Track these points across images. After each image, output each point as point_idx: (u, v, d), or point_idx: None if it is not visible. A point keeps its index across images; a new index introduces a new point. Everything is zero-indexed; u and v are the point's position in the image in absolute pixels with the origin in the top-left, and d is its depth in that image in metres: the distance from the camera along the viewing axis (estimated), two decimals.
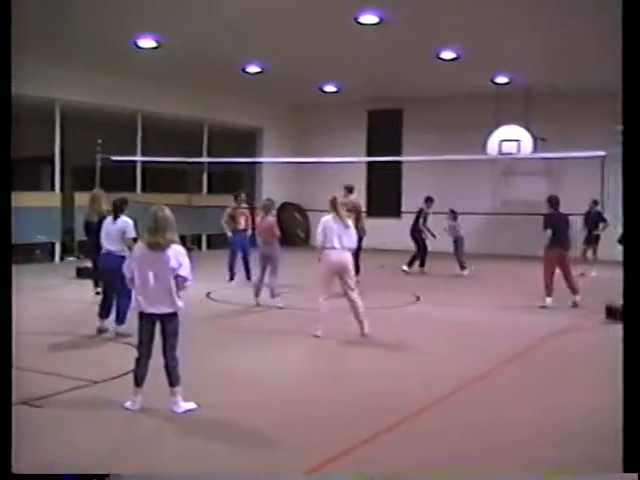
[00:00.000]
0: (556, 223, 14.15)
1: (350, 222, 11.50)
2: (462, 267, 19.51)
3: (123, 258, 9.52)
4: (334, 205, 11.40)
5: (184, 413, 7.11)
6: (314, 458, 5.99)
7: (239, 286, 16.37)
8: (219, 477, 5.69)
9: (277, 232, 14.04)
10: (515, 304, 14.47)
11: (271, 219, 14.22)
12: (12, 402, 4.36)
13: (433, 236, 19.78)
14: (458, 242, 19.72)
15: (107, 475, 5.00)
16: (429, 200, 20.21)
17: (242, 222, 17.45)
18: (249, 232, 17.52)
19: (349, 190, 17.73)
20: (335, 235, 11.17)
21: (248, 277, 16.87)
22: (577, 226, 19.86)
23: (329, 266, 11.24)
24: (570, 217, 15.04)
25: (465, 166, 24.17)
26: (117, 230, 11.01)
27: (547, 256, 14.23)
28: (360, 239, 15.55)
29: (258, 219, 14.60)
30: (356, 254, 15.82)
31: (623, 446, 4.24)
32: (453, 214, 19.81)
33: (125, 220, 11.02)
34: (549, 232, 14.00)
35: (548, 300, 14.05)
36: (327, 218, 11.39)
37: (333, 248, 11.16)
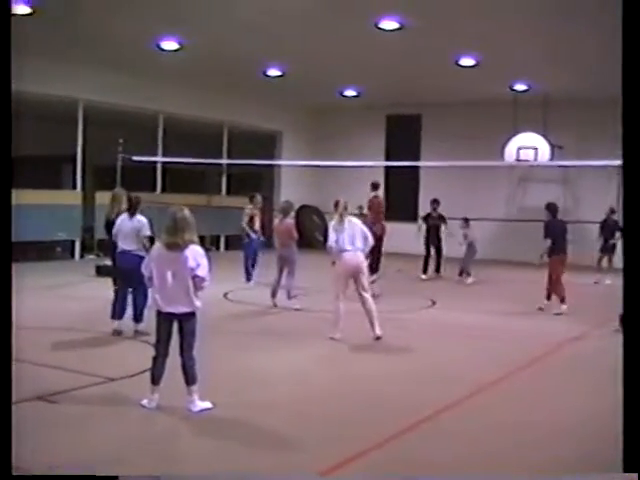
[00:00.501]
0: (555, 231, 14.37)
1: (358, 222, 11.62)
2: (467, 274, 19.51)
3: (139, 257, 9.66)
4: (337, 208, 11.54)
5: (200, 412, 7.20)
6: (330, 458, 6.09)
7: (256, 287, 16.50)
8: (228, 477, 5.78)
9: (295, 235, 14.19)
10: (529, 310, 14.51)
11: (289, 221, 14.34)
12: (12, 402, 4.44)
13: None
14: (469, 249, 19.77)
15: (116, 477, 5.06)
16: (435, 202, 20.26)
17: (257, 224, 17.62)
18: (260, 234, 17.75)
19: (375, 187, 17.99)
20: (347, 237, 11.27)
21: (249, 278, 17.12)
22: (593, 235, 19.93)
23: (344, 269, 11.32)
24: (586, 225, 15.11)
25: (482, 172, 24.21)
26: (132, 228, 11.07)
27: (551, 262, 14.40)
28: (380, 238, 15.75)
29: (276, 221, 14.70)
30: (375, 253, 16.18)
31: (623, 446, 4.31)
32: (466, 222, 19.88)
33: (140, 219, 11.12)
34: (549, 241, 14.22)
35: (564, 307, 14.16)
36: (334, 222, 11.53)
37: (347, 250, 11.25)
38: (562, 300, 14.26)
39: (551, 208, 14.69)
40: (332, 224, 11.56)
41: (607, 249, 19.56)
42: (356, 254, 11.28)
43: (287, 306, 13.95)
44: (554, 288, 14.40)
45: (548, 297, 14.55)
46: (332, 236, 11.41)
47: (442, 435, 6.97)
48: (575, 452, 6.51)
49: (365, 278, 11.41)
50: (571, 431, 7.14)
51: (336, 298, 11.30)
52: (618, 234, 18.96)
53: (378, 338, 11.12)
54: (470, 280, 19.26)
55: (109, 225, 14.48)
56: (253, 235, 17.47)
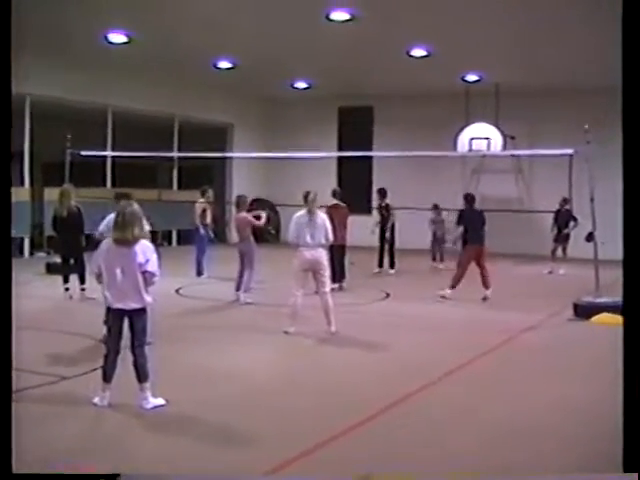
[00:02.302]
0: (471, 220, 14.68)
1: (324, 216, 11.47)
2: (441, 260, 20.44)
3: None
4: (306, 200, 11.36)
5: (153, 409, 7.10)
6: (286, 453, 6.01)
7: (208, 282, 16.37)
8: (230, 479, 5.70)
9: (254, 223, 14.16)
10: (479, 299, 14.55)
11: (244, 214, 14.26)
12: (12, 401, 4.33)
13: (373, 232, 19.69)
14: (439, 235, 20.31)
15: (118, 475, 4.98)
16: (380, 192, 20.11)
17: (208, 218, 17.54)
18: (211, 228, 17.69)
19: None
20: (307, 231, 11.14)
21: (200, 272, 17.10)
22: (546, 224, 20.05)
23: (303, 262, 11.20)
24: (539, 215, 15.18)
25: (435, 163, 24.25)
26: None
27: (466, 251, 14.76)
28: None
29: (234, 214, 14.59)
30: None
31: (623, 446, 4.31)
32: (436, 208, 20.16)
33: None
34: (461, 228, 14.64)
35: (449, 292, 14.62)
36: (299, 214, 11.33)
37: (306, 245, 11.13)
38: (487, 286, 14.68)
39: (468, 198, 15.20)
40: (297, 216, 11.33)
41: (561, 239, 19.69)
42: (316, 249, 11.15)
43: (241, 300, 13.85)
44: (483, 276, 14.73)
45: (453, 287, 14.74)
46: (293, 229, 11.27)
47: (400, 427, 6.90)
48: (538, 444, 6.49)
49: (325, 270, 11.28)
50: (536, 422, 7.11)
51: (294, 292, 11.18)
52: (572, 224, 19.06)
53: (333, 333, 11.05)
54: (442, 266, 19.85)
55: (56, 222, 14.27)
56: (202, 230, 17.35)
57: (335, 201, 16.29)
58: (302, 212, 11.31)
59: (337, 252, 15.08)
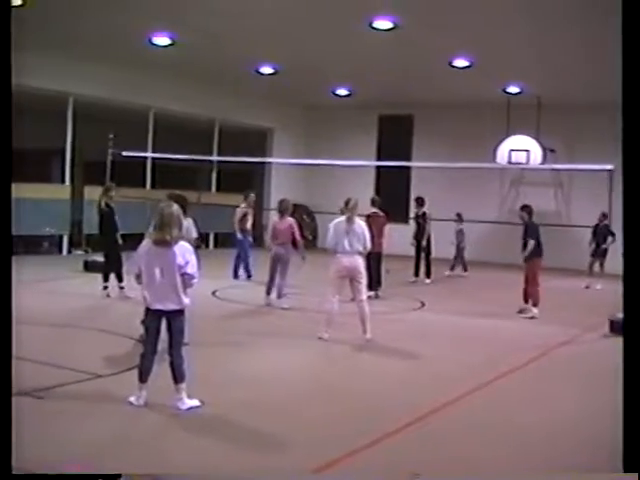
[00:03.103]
0: (535, 232, 14.27)
1: (363, 224, 11.45)
2: (465, 269, 20.73)
3: None
4: (347, 207, 11.36)
5: (188, 410, 7.14)
6: (320, 457, 6.03)
7: (244, 285, 16.45)
8: (239, 478, 5.71)
9: (297, 233, 14.19)
10: (516, 313, 14.44)
11: (290, 220, 14.27)
12: (12, 403, 4.35)
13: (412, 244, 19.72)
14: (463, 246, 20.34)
15: (119, 475, 4.99)
16: (418, 201, 19.98)
17: (249, 223, 17.61)
18: (250, 233, 17.78)
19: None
20: (346, 238, 11.14)
21: (249, 275, 17.27)
22: (585, 239, 19.89)
23: (339, 270, 11.20)
24: (577, 229, 15.04)
25: (474, 174, 24.17)
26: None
27: (538, 265, 14.36)
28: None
29: (275, 219, 14.55)
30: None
31: (623, 446, 4.28)
32: (460, 218, 20.10)
33: (186, 220, 10.50)
34: (532, 242, 14.08)
35: (535, 310, 14.14)
36: (338, 220, 11.34)
37: (344, 252, 11.13)
38: (535, 304, 14.21)
39: (531, 210, 14.56)
40: (336, 222, 11.34)
41: (598, 254, 19.51)
42: (353, 256, 11.15)
43: (276, 305, 13.90)
44: (530, 290, 14.31)
45: (526, 300, 14.38)
46: (331, 236, 11.30)
47: (432, 436, 6.90)
48: (574, 452, 6.47)
49: (362, 277, 11.27)
50: (568, 432, 7.08)
51: (330, 298, 11.19)
52: (610, 239, 18.89)
53: (368, 341, 11.04)
54: (466, 274, 20.10)
55: (103, 217, 14.34)
56: (239, 235, 17.44)
57: (374, 209, 16.27)
58: (341, 219, 11.32)
59: (373, 260, 15.04)
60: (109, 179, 18.37)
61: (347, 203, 11.39)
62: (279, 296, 13.99)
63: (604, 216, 18.87)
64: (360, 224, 11.35)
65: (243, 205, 17.80)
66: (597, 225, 19.46)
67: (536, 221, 14.48)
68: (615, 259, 16.04)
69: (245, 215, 17.62)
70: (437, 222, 19.68)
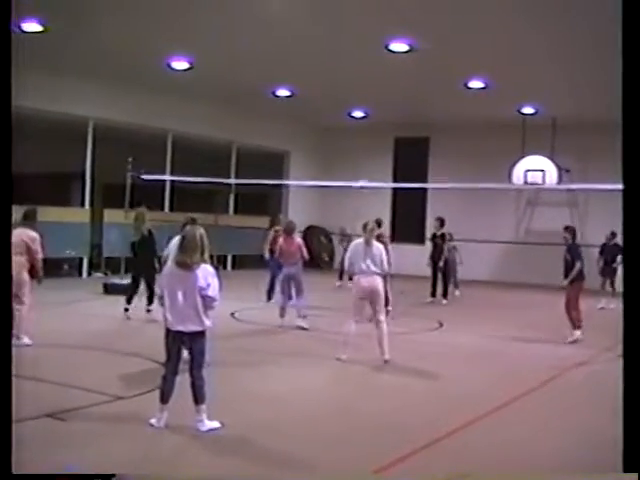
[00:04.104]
0: (578, 253, 13.88)
1: (381, 246, 11.53)
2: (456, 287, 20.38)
3: None
4: (365, 229, 11.49)
5: (208, 432, 7.18)
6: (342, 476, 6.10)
7: (262, 307, 16.52)
8: None
9: (305, 253, 14.31)
10: (534, 334, 14.44)
11: (298, 240, 14.42)
12: (12, 403, 4.42)
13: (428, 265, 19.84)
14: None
15: (113, 475, 5.03)
16: (438, 221, 20.18)
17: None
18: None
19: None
20: (363, 259, 11.24)
21: (269, 297, 17.21)
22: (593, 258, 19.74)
23: (358, 290, 11.32)
24: (592, 249, 14.92)
25: (490, 195, 24.23)
26: None
27: (581, 287, 13.92)
28: None
29: (281, 240, 14.69)
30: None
31: (623, 446, 4.30)
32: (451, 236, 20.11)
33: None
34: (579, 264, 13.67)
35: (578, 333, 13.78)
36: (357, 242, 11.54)
37: (362, 272, 11.24)
38: (578, 327, 13.85)
39: (575, 231, 14.19)
40: (354, 244, 11.55)
41: (608, 273, 19.28)
42: (372, 277, 11.24)
43: (296, 325, 13.99)
44: (573, 313, 13.86)
45: (575, 326, 13.84)
46: (348, 257, 11.49)
47: (450, 455, 6.96)
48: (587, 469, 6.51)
49: (381, 299, 11.35)
50: (581, 450, 7.11)
51: (350, 319, 11.30)
52: (620, 257, 18.77)
53: (386, 362, 11.10)
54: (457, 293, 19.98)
55: (133, 244, 14.41)
56: (268, 257, 17.52)
57: (379, 230, 16.48)
58: (360, 240, 11.48)
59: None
60: (128, 202, 18.55)
61: (365, 226, 11.53)
62: (300, 315, 14.09)
63: (613, 235, 18.83)
64: (378, 246, 11.44)
65: (277, 228, 17.88)
66: (605, 244, 19.35)
67: (578, 242, 14.25)
68: None
69: (276, 238, 17.69)
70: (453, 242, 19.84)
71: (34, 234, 11.08)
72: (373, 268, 11.23)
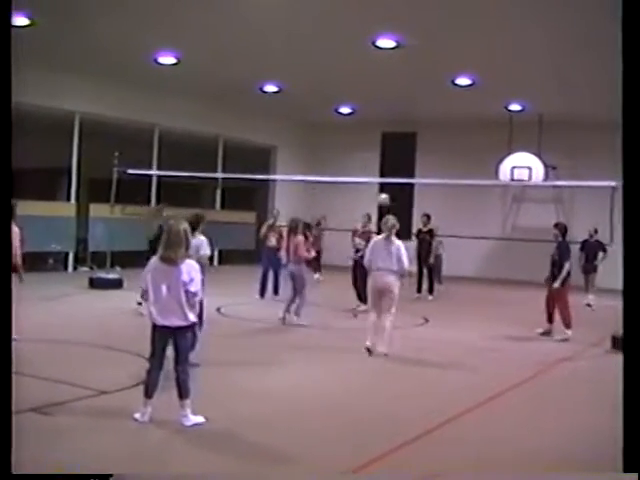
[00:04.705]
0: (567, 252, 13.88)
1: (399, 244, 11.62)
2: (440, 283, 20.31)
3: None
4: (385, 226, 11.70)
5: (193, 426, 7.19)
6: (327, 473, 6.11)
7: (252, 302, 16.52)
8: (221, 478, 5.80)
9: (302, 252, 14.29)
10: (521, 330, 14.45)
11: (299, 238, 14.42)
12: (12, 403, 4.42)
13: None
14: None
15: (110, 475, 5.04)
16: (424, 217, 20.30)
17: (273, 240, 17.62)
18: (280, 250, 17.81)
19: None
20: (380, 256, 11.45)
21: (276, 292, 17.34)
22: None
23: (373, 285, 11.62)
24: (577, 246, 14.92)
25: (476, 191, 24.35)
26: (192, 246, 10.49)
27: (570, 287, 13.98)
28: None
29: (284, 238, 14.83)
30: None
31: (623, 446, 4.33)
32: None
33: (200, 237, 10.11)
34: (568, 264, 13.68)
35: (569, 332, 13.68)
36: (377, 239, 11.82)
37: (378, 269, 11.48)
38: (569, 326, 13.78)
39: (564, 228, 14.13)
40: (375, 241, 11.83)
41: (588, 270, 19.26)
42: (386, 274, 11.43)
43: (294, 322, 14.02)
44: (564, 313, 13.82)
45: (566, 325, 13.77)
46: (367, 253, 11.76)
47: (438, 447, 7.02)
48: (573, 463, 6.55)
49: (393, 296, 11.52)
50: (567, 444, 7.14)
51: (370, 313, 11.68)
52: (601, 254, 18.81)
53: (385, 355, 11.25)
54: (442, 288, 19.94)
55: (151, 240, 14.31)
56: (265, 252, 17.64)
57: (369, 226, 16.73)
58: (380, 237, 11.73)
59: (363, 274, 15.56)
60: (114, 197, 18.54)
61: (386, 223, 11.73)
62: (297, 313, 14.12)
63: (595, 231, 18.85)
64: (397, 244, 11.58)
65: (270, 223, 17.98)
66: (586, 240, 19.32)
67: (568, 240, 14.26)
68: (612, 274, 16.02)
69: (270, 233, 17.74)
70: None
71: (14, 228, 11.01)
72: (389, 265, 11.40)
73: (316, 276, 21.25)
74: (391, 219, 11.74)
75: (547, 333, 13.95)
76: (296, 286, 14.17)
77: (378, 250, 11.53)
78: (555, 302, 13.88)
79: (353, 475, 6.07)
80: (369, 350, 11.30)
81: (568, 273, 13.69)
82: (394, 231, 11.67)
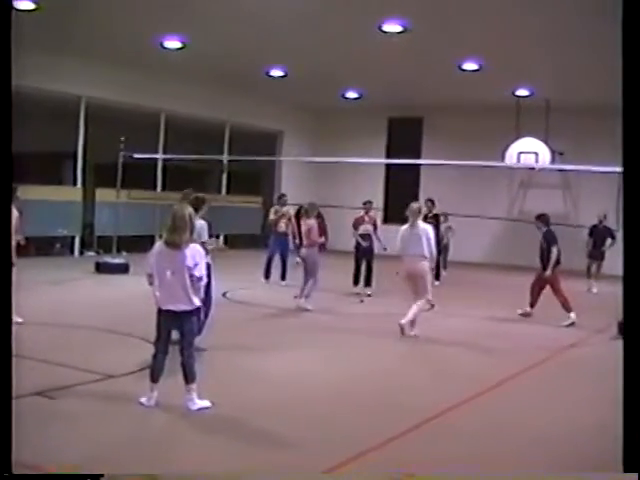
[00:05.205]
0: (557, 240, 14.05)
1: (425, 228, 11.78)
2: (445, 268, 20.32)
3: None
4: (410, 211, 11.83)
5: (199, 410, 7.20)
6: (330, 459, 6.07)
7: (255, 287, 16.53)
8: (220, 477, 5.74)
9: (314, 236, 14.27)
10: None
11: (310, 222, 14.42)
12: (12, 402, 4.41)
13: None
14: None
15: (101, 475, 4.97)
16: (429, 202, 20.12)
17: (283, 225, 17.69)
18: (289, 235, 17.86)
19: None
20: (408, 242, 11.59)
21: (283, 277, 17.40)
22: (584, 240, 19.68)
23: (403, 271, 11.80)
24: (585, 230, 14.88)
25: (483, 175, 24.23)
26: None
27: (559, 274, 14.10)
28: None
29: (302, 221, 14.90)
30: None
31: (623, 446, 4.31)
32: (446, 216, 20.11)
33: (200, 222, 9.76)
34: (556, 250, 13.80)
35: (573, 315, 13.74)
36: (404, 227, 11.83)
37: (406, 255, 11.64)
38: (570, 309, 13.82)
39: (547, 219, 14.30)
40: (402, 228, 11.85)
41: (596, 256, 19.15)
42: (414, 259, 11.58)
43: (301, 306, 14.04)
44: (560, 299, 13.89)
45: (567, 310, 13.82)
46: (398, 241, 11.79)
47: (444, 434, 7.03)
48: (575, 452, 6.56)
49: (424, 282, 11.73)
50: (570, 432, 7.14)
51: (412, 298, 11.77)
52: (609, 241, 18.71)
53: (416, 336, 11.57)
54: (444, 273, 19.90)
55: None
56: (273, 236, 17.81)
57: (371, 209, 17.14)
58: (407, 225, 11.82)
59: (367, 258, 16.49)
60: (120, 181, 18.55)
61: (411, 208, 11.91)
62: (305, 296, 14.13)
63: (604, 217, 18.77)
64: (424, 228, 11.74)
65: (277, 207, 18.03)
66: (595, 226, 19.24)
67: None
68: (618, 261, 15.96)
69: (278, 217, 17.80)
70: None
71: (14, 211, 10.98)
72: (420, 251, 11.56)
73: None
74: (415, 204, 12.05)
75: (527, 315, 14.24)
76: (309, 270, 14.16)
77: (407, 237, 11.66)
78: (551, 289, 13.99)
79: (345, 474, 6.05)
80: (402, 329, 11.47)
81: (558, 259, 13.81)
82: (420, 216, 11.88)
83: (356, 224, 16.67)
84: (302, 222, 14.56)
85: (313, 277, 14.14)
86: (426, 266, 11.67)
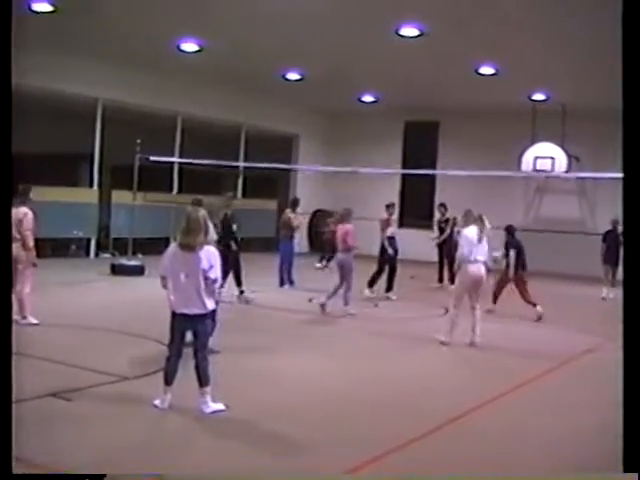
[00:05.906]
0: (520, 247, 15.17)
1: (490, 235, 11.86)
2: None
3: None
4: (477, 220, 11.89)
5: (212, 413, 7.21)
6: (346, 462, 6.08)
7: (265, 290, 16.50)
8: (224, 478, 5.76)
9: (349, 241, 14.21)
10: (540, 321, 14.43)
11: (345, 227, 14.41)
12: (12, 402, 4.42)
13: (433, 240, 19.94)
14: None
15: (103, 475, 4.96)
16: (442, 207, 20.35)
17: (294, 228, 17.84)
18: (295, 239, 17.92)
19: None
20: (473, 248, 11.58)
21: (291, 282, 17.43)
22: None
23: (469, 279, 11.67)
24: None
25: (499, 181, 24.15)
26: None
27: (525, 274, 15.17)
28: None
29: (334, 227, 15.12)
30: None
31: (623, 446, 4.30)
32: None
33: None
34: (513, 252, 15.01)
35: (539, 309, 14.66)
36: (468, 231, 11.82)
37: (471, 261, 11.58)
38: (535, 305, 14.70)
39: (513, 230, 15.55)
40: (467, 233, 11.80)
41: (608, 259, 18.91)
42: (482, 265, 11.65)
43: (343, 312, 14.01)
44: (523, 295, 14.97)
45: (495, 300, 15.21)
46: (466, 247, 11.66)
47: (460, 437, 7.05)
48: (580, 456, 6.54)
49: (480, 291, 11.87)
50: (582, 436, 7.12)
51: (455, 306, 11.74)
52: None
53: (476, 344, 11.60)
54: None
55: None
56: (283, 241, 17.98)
57: (386, 214, 17.10)
58: (472, 229, 11.80)
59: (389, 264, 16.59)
60: (136, 184, 18.59)
61: (471, 215, 12.17)
62: (345, 303, 14.12)
63: (618, 222, 18.67)
64: (488, 235, 11.82)
65: (297, 212, 18.09)
66: (608, 232, 19.12)
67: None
68: None
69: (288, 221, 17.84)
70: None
71: (26, 209, 11.04)
72: (477, 257, 11.59)
73: (318, 265, 21.21)
74: (472, 212, 12.24)
75: (490, 311, 14.55)
76: (344, 274, 14.14)
77: (472, 242, 11.60)
78: (516, 287, 15.00)
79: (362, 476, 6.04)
80: (443, 344, 11.48)
81: (518, 261, 14.91)
82: (483, 224, 11.80)
83: (384, 227, 16.66)
84: (338, 227, 14.58)
85: (347, 282, 14.12)
86: (484, 271, 11.76)
